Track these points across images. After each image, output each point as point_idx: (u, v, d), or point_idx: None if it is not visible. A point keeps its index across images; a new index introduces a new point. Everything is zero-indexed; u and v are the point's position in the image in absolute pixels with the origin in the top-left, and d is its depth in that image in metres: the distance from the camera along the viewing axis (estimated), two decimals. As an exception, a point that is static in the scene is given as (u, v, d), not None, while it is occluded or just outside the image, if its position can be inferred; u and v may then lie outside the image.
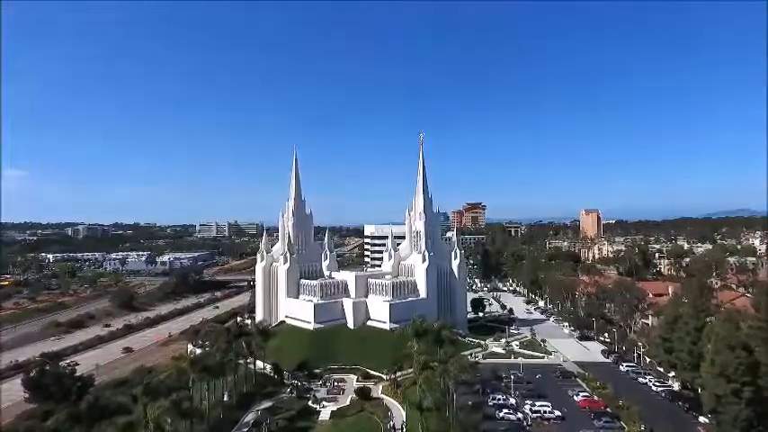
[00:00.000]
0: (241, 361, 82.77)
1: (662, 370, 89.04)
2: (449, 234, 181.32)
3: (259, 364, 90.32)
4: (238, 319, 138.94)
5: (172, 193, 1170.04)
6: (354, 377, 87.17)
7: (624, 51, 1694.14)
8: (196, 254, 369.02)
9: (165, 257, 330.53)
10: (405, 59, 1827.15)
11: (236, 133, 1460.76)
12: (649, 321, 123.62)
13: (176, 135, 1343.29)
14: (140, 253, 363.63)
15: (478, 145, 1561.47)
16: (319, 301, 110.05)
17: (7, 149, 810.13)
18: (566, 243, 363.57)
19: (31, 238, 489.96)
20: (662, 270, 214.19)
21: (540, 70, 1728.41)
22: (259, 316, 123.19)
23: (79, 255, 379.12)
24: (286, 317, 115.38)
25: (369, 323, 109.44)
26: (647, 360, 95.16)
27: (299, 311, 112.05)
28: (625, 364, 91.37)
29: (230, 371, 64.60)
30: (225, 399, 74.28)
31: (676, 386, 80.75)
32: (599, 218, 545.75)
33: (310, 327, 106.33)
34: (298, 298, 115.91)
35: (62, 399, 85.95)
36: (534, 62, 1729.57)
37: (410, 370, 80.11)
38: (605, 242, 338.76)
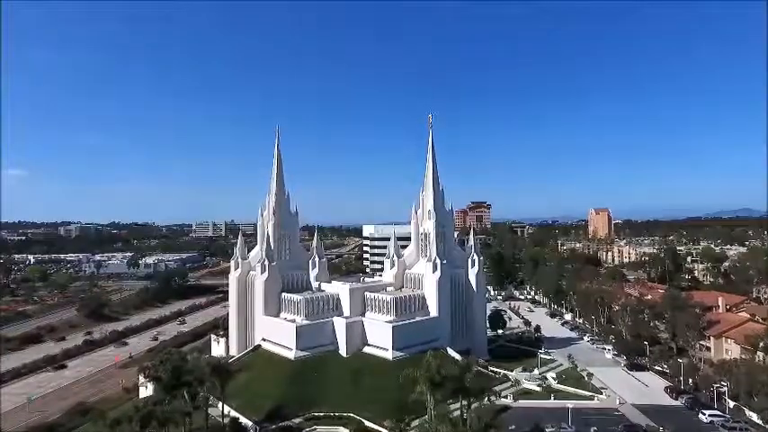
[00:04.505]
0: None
1: (759, 421, 66.29)
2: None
3: (221, 406, 68.18)
4: (213, 336, 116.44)
5: (172, 192, 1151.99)
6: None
7: (625, 51, 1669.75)
8: (185, 255, 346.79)
9: (150, 259, 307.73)
10: (405, 53, 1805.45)
11: (235, 130, 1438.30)
12: (711, 345, 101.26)
13: (176, 133, 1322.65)
14: (126, 254, 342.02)
15: (478, 143, 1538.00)
16: (303, 322, 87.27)
17: (7, 149, 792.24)
18: (579, 245, 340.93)
19: (18, 237, 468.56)
20: (697, 275, 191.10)
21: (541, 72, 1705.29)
22: (232, 338, 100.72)
23: (63, 256, 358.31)
24: (263, 340, 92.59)
25: (366, 349, 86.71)
26: (731, 404, 72.36)
27: (278, 334, 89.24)
28: (708, 413, 68.20)
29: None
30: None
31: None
32: (609, 218, 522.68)
33: (291, 355, 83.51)
34: (278, 316, 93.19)
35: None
36: (534, 61, 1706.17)
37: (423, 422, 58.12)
38: (622, 243, 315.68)
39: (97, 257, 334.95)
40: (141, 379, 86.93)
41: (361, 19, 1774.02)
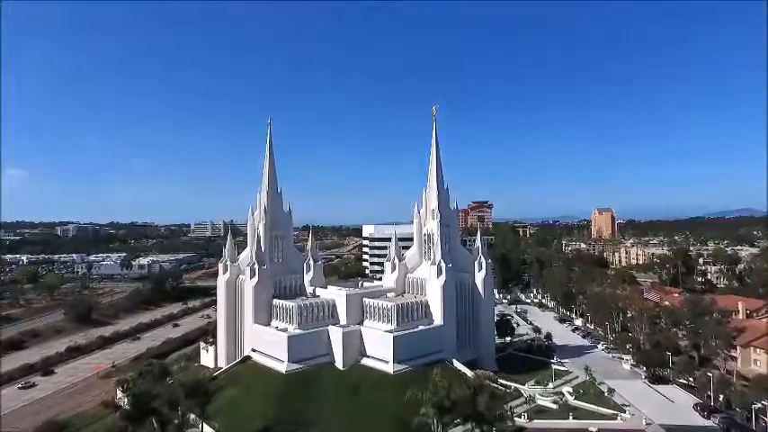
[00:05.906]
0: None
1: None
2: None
3: (201, 428, 60.97)
4: (201, 344, 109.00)
5: (173, 193, 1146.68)
6: (341, 459, 57.28)
7: (625, 52, 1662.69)
8: (181, 256, 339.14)
9: (145, 260, 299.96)
10: (406, 52, 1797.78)
11: (235, 130, 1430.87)
12: (738, 355, 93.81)
13: (176, 131, 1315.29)
14: (121, 255, 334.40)
15: (477, 143, 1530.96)
16: (296, 331, 79.94)
17: (7, 149, 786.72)
18: (583, 245, 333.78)
19: (14, 237, 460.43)
20: (710, 278, 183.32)
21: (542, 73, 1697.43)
22: (221, 348, 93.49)
23: (57, 256, 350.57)
24: (252, 350, 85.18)
25: (364, 361, 79.27)
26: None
27: (268, 344, 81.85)
28: (748, 437, 60.97)
29: None
30: None
31: None
32: (613, 217, 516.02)
33: (282, 368, 76.13)
34: (269, 325, 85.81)
35: None
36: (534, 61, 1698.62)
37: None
38: (629, 244, 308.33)
39: (91, 258, 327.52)
40: (119, 393, 79.97)
41: (362, 17, 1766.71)
